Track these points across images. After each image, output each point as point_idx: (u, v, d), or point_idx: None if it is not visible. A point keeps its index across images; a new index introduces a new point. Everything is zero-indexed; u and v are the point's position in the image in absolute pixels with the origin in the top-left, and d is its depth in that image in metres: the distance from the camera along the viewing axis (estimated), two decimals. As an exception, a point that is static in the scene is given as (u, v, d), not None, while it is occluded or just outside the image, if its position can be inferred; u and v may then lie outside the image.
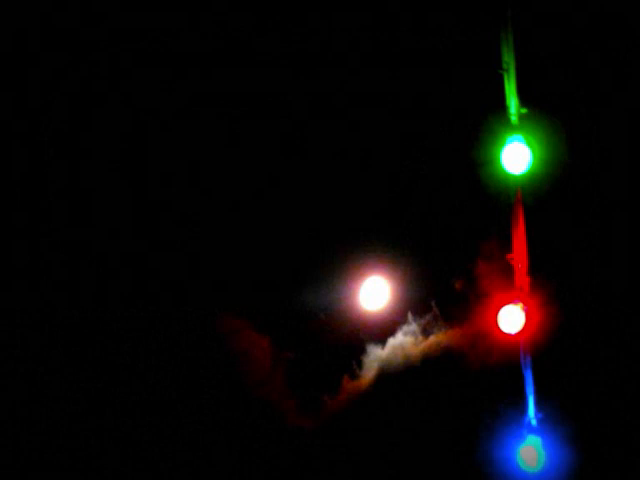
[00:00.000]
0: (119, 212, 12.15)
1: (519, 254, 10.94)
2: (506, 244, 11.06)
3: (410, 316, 11.78)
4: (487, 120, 10.73)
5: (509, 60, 10.58)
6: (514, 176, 10.75)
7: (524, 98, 10.65)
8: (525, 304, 10.83)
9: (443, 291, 11.66)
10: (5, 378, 11.69)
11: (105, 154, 12.14)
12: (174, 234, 12.13)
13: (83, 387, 11.73)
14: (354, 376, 11.91)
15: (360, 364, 11.89)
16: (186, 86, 12.14)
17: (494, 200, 10.94)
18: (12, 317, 11.80)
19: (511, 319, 10.81)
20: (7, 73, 11.84)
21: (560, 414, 10.94)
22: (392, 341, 11.80)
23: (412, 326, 11.76)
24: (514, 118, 10.67)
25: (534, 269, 10.97)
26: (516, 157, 10.63)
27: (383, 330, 11.96)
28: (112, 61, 12.00)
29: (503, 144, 10.67)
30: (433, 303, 11.71)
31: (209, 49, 12.06)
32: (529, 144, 10.63)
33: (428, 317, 11.74)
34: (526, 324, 10.80)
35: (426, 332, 11.75)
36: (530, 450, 10.88)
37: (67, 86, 12.01)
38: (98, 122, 12.06)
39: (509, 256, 10.99)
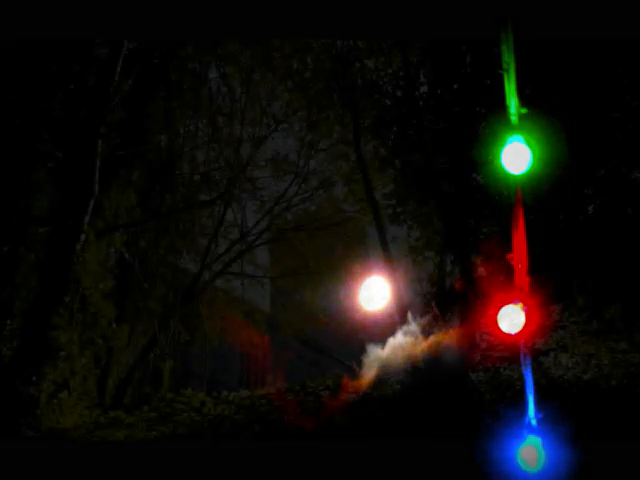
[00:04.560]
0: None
1: (519, 254, 10.90)
2: (506, 244, 11.05)
3: (410, 316, 11.79)
4: (487, 120, 10.73)
5: (509, 60, 10.54)
6: (514, 176, 10.72)
7: (524, 98, 10.63)
8: (525, 304, 10.81)
9: (443, 291, 11.67)
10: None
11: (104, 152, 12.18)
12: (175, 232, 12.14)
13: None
14: (354, 376, 11.92)
15: (360, 364, 11.91)
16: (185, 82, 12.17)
17: (494, 200, 10.94)
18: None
19: (511, 319, 10.78)
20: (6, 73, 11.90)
21: (560, 414, 10.92)
22: (392, 341, 11.81)
23: (412, 326, 11.77)
24: (514, 118, 10.64)
25: (534, 269, 10.95)
26: (516, 157, 10.60)
27: (383, 330, 11.97)
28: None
29: (503, 144, 10.65)
30: (433, 303, 11.72)
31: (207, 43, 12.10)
32: (529, 144, 10.60)
33: (428, 317, 11.75)
34: (526, 324, 10.78)
35: (426, 332, 11.76)
36: (530, 450, 10.86)
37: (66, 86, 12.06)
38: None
39: (509, 256, 10.96)
